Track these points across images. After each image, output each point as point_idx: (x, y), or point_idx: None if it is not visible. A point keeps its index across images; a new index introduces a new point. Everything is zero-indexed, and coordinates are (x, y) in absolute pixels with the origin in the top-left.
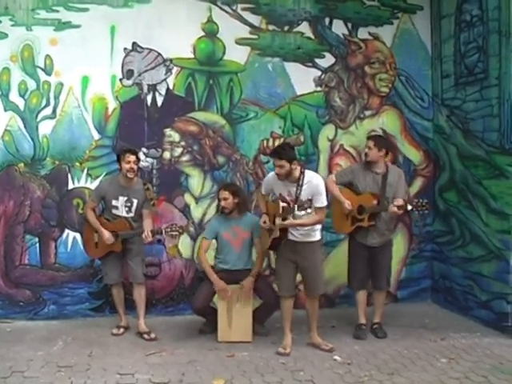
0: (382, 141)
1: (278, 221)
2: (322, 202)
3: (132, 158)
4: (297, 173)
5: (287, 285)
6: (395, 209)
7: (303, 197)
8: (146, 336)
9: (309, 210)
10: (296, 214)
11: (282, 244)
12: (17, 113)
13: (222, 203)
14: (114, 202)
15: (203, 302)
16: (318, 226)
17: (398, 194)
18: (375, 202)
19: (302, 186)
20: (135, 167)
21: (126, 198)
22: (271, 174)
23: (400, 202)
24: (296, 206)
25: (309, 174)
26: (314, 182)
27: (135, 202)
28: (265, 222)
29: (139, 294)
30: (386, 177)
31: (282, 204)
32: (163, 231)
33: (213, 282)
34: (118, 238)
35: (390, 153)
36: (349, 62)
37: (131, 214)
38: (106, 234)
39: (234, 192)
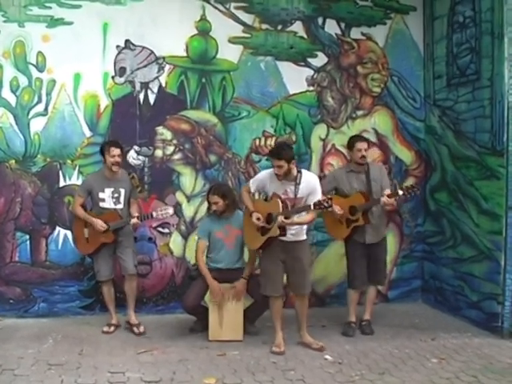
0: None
1: (280, 219)
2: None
3: (117, 151)
4: (294, 172)
5: (277, 285)
6: (387, 198)
7: (300, 195)
8: (135, 329)
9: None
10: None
11: (271, 244)
12: (8, 109)
13: (214, 207)
14: (100, 195)
15: (194, 300)
16: (306, 225)
17: (385, 186)
18: (365, 199)
19: (299, 184)
20: (120, 161)
21: (112, 189)
22: (266, 172)
23: (389, 191)
24: (294, 204)
25: (305, 173)
26: (312, 181)
27: (122, 191)
28: (258, 219)
29: (130, 287)
30: (369, 172)
31: (281, 203)
32: (153, 214)
33: (207, 283)
34: (110, 229)
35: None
36: (341, 62)
37: (120, 206)
38: (98, 222)
39: (224, 194)
